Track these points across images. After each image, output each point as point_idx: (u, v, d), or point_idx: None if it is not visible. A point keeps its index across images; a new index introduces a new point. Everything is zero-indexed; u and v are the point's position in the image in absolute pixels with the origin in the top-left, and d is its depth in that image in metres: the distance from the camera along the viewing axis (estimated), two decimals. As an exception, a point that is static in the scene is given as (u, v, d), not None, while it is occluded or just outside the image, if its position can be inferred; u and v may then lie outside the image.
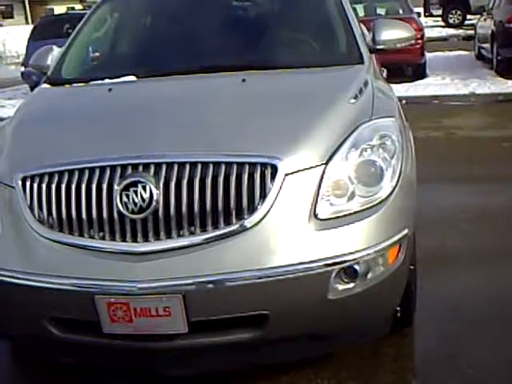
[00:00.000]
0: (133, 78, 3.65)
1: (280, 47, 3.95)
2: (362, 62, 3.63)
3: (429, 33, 18.26)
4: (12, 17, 41.45)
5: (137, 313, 2.56)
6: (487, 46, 13.93)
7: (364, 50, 3.75)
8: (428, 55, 14.53)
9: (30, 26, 15.95)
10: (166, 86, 3.54)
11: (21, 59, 18.11)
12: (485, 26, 14.26)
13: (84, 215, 2.63)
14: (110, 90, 3.47)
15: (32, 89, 3.87)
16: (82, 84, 3.81)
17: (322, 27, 4.11)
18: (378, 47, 3.92)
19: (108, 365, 2.96)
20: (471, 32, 17.87)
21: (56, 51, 4.24)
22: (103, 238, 2.62)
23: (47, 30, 13.81)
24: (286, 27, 4.18)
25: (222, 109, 3.05)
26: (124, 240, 2.60)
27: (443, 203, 5.33)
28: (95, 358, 2.88)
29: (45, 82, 3.94)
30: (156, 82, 3.61)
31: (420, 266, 3.29)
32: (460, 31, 23.92)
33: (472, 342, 3.25)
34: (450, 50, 17.81)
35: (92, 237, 2.63)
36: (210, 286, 2.52)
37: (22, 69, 14.43)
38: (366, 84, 3.30)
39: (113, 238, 2.61)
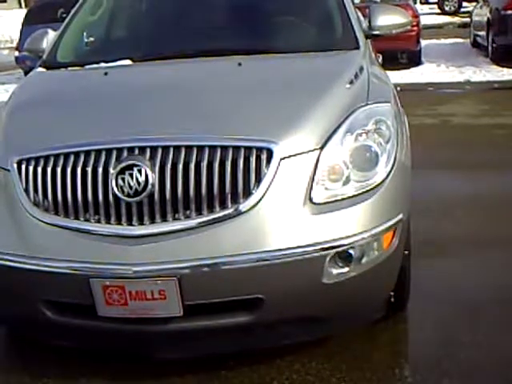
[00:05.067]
0: (129, 61, 3.65)
1: (276, 32, 3.94)
2: (357, 47, 3.63)
3: (424, 20, 18.19)
4: (5, 1, 41.11)
5: (132, 296, 2.57)
6: (483, 33, 13.90)
7: (360, 35, 3.75)
8: (423, 42, 14.52)
9: (24, 11, 15.84)
10: (162, 70, 3.54)
11: (14, 44, 18.00)
12: (480, 13, 14.23)
13: (79, 198, 2.63)
14: (105, 73, 3.46)
15: (26, 73, 3.86)
16: (77, 68, 3.79)
17: (318, 12, 4.10)
18: (374, 33, 3.92)
19: (103, 348, 2.97)
20: (467, 19, 17.85)
21: (51, 35, 4.22)
22: (99, 221, 2.62)
23: (41, 15, 13.70)
24: (281, 12, 4.16)
25: (217, 93, 3.05)
26: (119, 223, 2.61)
27: (437, 189, 5.34)
28: (91, 341, 2.90)
29: (40, 66, 3.92)
30: (152, 66, 3.61)
31: (414, 251, 3.30)
32: (456, 19, 23.87)
33: (465, 325, 3.26)
34: (446, 38, 17.78)
35: (87, 220, 2.64)
36: (206, 269, 2.53)
37: (16, 53, 14.35)
38: (361, 69, 3.30)
39: (108, 221, 2.62)
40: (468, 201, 5.07)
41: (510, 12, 12.14)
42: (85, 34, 4.20)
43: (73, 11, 4.32)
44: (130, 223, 2.60)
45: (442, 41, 17.40)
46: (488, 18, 13.13)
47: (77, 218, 2.65)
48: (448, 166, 6.05)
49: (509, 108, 8.78)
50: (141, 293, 2.56)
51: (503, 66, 12.02)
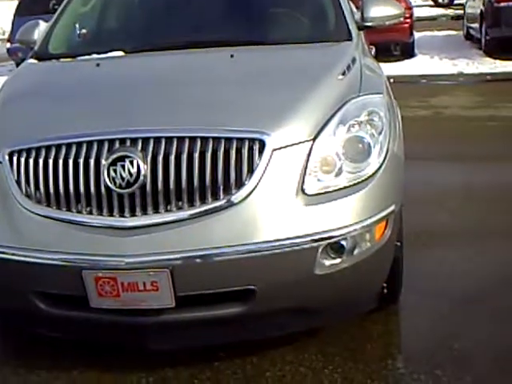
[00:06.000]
0: (121, 53, 3.63)
1: (268, 23, 3.93)
2: (350, 38, 3.62)
3: (418, 12, 18.20)
4: (-3, -8, 40.91)
5: (124, 287, 2.57)
6: (476, 25, 13.92)
7: (352, 26, 3.74)
8: (417, 34, 14.53)
9: (16, 2, 15.76)
10: (154, 61, 3.52)
11: (6, 35, 17.93)
12: (474, 5, 14.23)
13: (71, 190, 2.63)
14: (97, 65, 3.45)
15: (18, 65, 3.85)
16: (69, 59, 3.78)
17: (310, 3, 4.09)
18: (367, 24, 3.90)
19: (96, 340, 2.97)
20: (460, 12, 17.83)
21: (43, 26, 4.20)
22: (91, 213, 2.62)
23: (33, 6, 13.64)
24: (274, 3, 4.16)
25: (209, 84, 3.05)
26: (111, 215, 2.60)
27: (429, 181, 5.35)
28: (83, 333, 2.89)
29: (31, 57, 3.90)
30: (144, 57, 3.59)
31: (406, 242, 3.30)
32: (449, 11, 23.86)
33: (458, 317, 3.27)
34: (439, 30, 17.79)
35: (79, 211, 2.63)
36: (198, 260, 2.53)
37: (8, 45, 14.30)
38: (354, 61, 3.30)
39: (100, 213, 2.61)
40: (460, 192, 5.08)
41: (503, 4, 12.16)
42: (77, 25, 4.17)
43: (64, 2, 4.29)
44: (122, 215, 2.59)
45: (436, 33, 17.41)
46: (481, 11, 13.13)
47: (69, 209, 2.65)
48: (440, 157, 6.07)
49: (501, 100, 8.80)
50: (133, 284, 2.56)
51: (496, 58, 12.04)
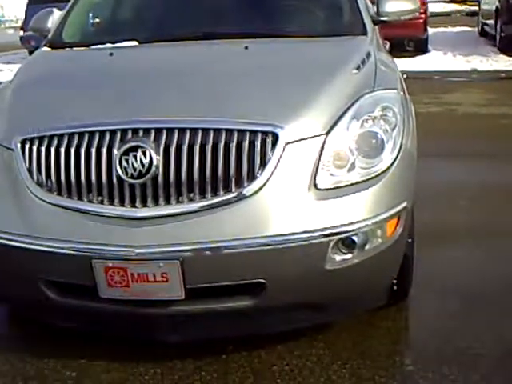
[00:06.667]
0: (134, 42, 3.63)
1: (283, 16, 3.92)
2: (365, 33, 3.61)
3: (432, 7, 18.09)
4: (11, -20, 40.93)
5: (134, 278, 2.56)
6: (491, 22, 13.85)
7: (367, 21, 3.72)
8: (430, 30, 14.48)
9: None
10: (167, 52, 3.52)
11: (19, 23, 17.97)
12: (489, 2, 14.16)
13: (83, 179, 2.62)
14: (111, 54, 3.45)
15: (31, 53, 3.85)
16: (82, 48, 3.78)
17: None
18: (382, 19, 3.89)
19: (105, 330, 2.97)
20: (475, 8, 17.75)
21: (57, 14, 4.20)
22: (102, 203, 2.61)
23: (47, -6, 13.64)
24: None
25: (223, 76, 3.03)
26: (123, 205, 2.59)
27: (442, 178, 5.33)
28: (92, 322, 2.89)
29: (45, 45, 3.91)
30: (157, 48, 3.59)
31: (417, 239, 3.29)
32: (464, 7, 23.76)
33: (467, 315, 3.26)
34: (453, 26, 17.73)
35: (91, 201, 2.63)
36: (208, 252, 2.52)
37: (21, 33, 14.32)
38: (368, 55, 3.28)
39: (111, 203, 2.60)
40: (472, 190, 5.06)
41: (518, 1, 12.09)
42: (91, 14, 4.17)
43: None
44: (133, 205, 2.59)
45: (450, 29, 17.36)
46: (496, 7, 13.07)
47: (80, 198, 2.64)
48: (452, 154, 6.04)
49: (515, 98, 8.75)
50: (143, 275, 2.55)
51: (511, 56, 11.96)
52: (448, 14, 21.69)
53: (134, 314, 2.72)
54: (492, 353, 2.95)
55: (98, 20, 4.21)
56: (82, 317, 2.85)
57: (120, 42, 3.63)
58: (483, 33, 15.29)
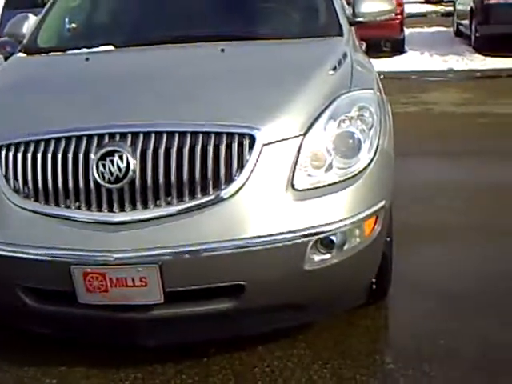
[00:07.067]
0: (110, 47, 3.61)
1: (260, 18, 3.92)
2: (341, 34, 3.62)
3: (408, 8, 18.16)
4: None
5: (113, 283, 2.55)
6: (466, 22, 13.97)
7: (344, 22, 3.74)
8: (407, 31, 14.56)
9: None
10: (143, 56, 3.51)
11: (-5, 29, 17.80)
12: (464, 2, 14.28)
13: (60, 185, 2.60)
14: (87, 59, 3.43)
15: (6, 59, 3.82)
16: (58, 53, 3.76)
17: (301, -2, 4.09)
18: (358, 19, 3.90)
19: (83, 336, 2.94)
20: (450, 8, 17.86)
21: (32, 19, 4.18)
22: (79, 208, 2.60)
23: (22, -1, 13.54)
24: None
25: (200, 78, 3.03)
26: (100, 210, 2.58)
27: (419, 177, 5.36)
28: (71, 329, 2.88)
29: (20, 51, 3.88)
30: (134, 52, 3.58)
31: (395, 239, 3.31)
32: (439, 7, 23.90)
33: (446, 314, 3.28)
34: (429, 26, 17.84)
35: (68, 207, 2.61)
36: (187, 256, 2.52)
37: (-3, 39, 14.18)
38: (344, 56, 3.29)
39: (89, 208, 2.59)
40: (449, 189, 5.09)
41: (492, 1, 12.23)
42: (66, 19, 4.15)
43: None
44: (111, 210, 2.58)
45: (426, 29, 17.45)
46: (471, 8, 13.18)
47: (57, 204, 2.63)
48: (430, 153, 6.08)
49: (491, 97, 8.84)
50: (122, 280, 2.54)
51: (486, 55, 12.10)
52: (424, 15, 21.79)
53: (113, 319, 2.71)
54: (471, 350, 2.97)
55: (73, 25, 4.18)
56: (61, 323, 2.83)
57: (96, 46, 3.61)
58: (458, 33, 15.40)
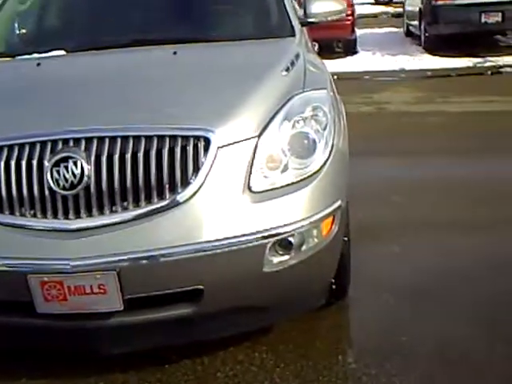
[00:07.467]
0: (62, 52, 3.56)
1: (213, 20, 3.92)
2: (293, 34, 3.64)
3: (359, 9, 18.34)
4: None
5: (71, 291, 2.51)
6: (415, 23, 14.17)
7: (295, 23, 3.75)
8: (359, 32, 14.69)
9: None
10: (96, 60, 3.47)
11: None
12: (413, 3, 14.47)
13: (14, 193, 2.55)
14: (38, 64, 3.37)
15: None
16: (8, 59, 3.69)
17: (253, 0, 4.09)
18: (310, 20, 3.93)
19: (44, 347, 2.88)
20: (400, 9, 18.08)
21: (-21, 25, 4.09)
22: (34, 216, 2.55)
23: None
24: (217, 0, 4.15)
25: (152, 82, 3.01)
26: (56, 217, 2.54)
27: (373, 176, 5.39)
28: (30, 340, 2.81)
29: (-32, 58, 3.80)
30: (86, 56, 3.53)
31: (352, 238, 3.33)
32: (389, 8, 24.16)
33: (405, 312, 3.31)
34: (380, 27, 18.01)
35: (23, 215, 2.56)
36: (144, 261, 2.49)
37: None
38: (297, 57, 3.30)
39: (44, 216, 2.55)
40: (402, 186, 5.15)
41: (440, 3, 12.43)
42: (15, 23, 4.08)
43: (1, 0, 4.19)
44: (66, 217, 2.54)
45: (377, 30, 17.63)
46: (420, 9, 13.38)
47: (12, 213, 2.58)
48: (383, 152, 6.13)
49: (441, 95, 8.98)
50: (80, 288, 2.51)
51: (435, 55, 12.30)
52: (375, 16, 22.01)
53: (73, 328, 2.66)
54: (432, 348, 3.00)
55: (23, 30, 4.12)
56: (20, 334, 2.77)
57: (47, 51, 3.55)
58: (408, 33, 15.60)
